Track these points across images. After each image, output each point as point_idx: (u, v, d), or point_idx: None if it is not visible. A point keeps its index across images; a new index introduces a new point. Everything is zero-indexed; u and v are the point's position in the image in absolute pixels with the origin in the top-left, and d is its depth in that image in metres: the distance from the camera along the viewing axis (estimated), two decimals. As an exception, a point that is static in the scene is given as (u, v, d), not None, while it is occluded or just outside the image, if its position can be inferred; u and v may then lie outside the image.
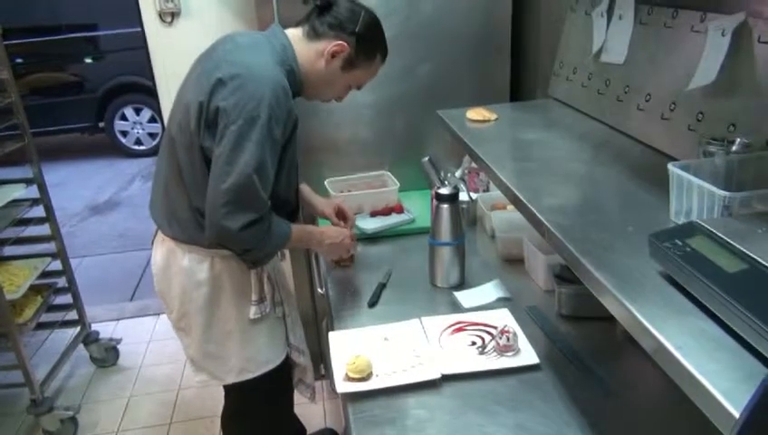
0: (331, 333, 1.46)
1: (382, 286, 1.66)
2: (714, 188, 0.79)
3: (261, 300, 1.50)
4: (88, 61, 6.26)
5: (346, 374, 1.28)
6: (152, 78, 2.66)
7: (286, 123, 1.35)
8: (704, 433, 1.09)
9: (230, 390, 1.69)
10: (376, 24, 1.46)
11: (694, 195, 0.83)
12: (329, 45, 1.40)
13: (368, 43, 1.44)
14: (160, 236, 1.52)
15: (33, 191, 2.51)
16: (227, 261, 1.47)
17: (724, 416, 0.55)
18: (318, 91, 1.50)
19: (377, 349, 1.37)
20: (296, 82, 1.42)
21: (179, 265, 1.48)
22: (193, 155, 1.37)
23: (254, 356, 1.55)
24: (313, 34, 1.42)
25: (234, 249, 1.42)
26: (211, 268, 1.47)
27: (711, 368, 0.60)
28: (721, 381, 0.58)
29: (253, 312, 1.49)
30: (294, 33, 1.44)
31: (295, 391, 1.81)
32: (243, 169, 1.28)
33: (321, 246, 1.60)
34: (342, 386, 1.27)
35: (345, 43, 1.41)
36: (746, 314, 0.60)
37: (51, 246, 2.63)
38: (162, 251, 1.52)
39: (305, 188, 1.79)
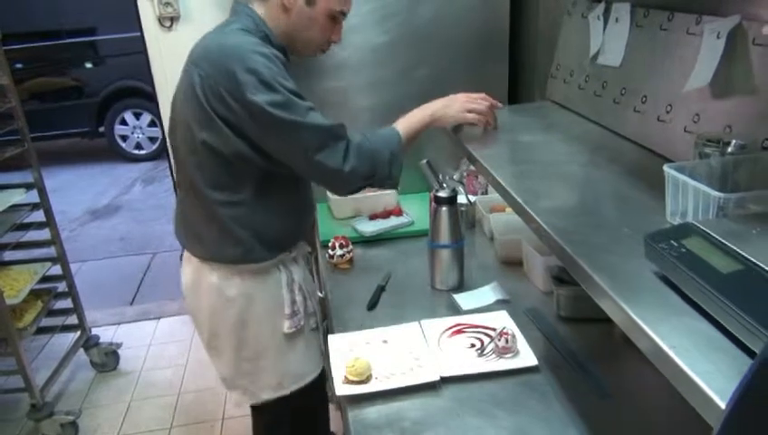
0: (330, 336, 1.46)
1: (381, 289, 1.66)
2: (709, 189, 0.79)
3: (294, 313, 1.47)
4: (88, 66, 6.29)
5: (345, 377, 1.28)
6: (152, 82, 2.67)
7: (287, 76, 1.29)
8: (701, 433, 1.10)
9: (261, 408, 1.60)
10: None
11: (689, 196, 0.84)
12: None
13: None
14: (187, 254, 1.49)
15: (33, 196, 2.52)
16: (257, 276, 1.43)
17: (718, 415, 0.55)
18: (302, 42, 1.41)
19: (376, 351, 1.37)
20: (278, 45, 1.36)
21: (208, 283, 1.44)
22: (205, 166, 1.33)
23: (290, 370, 1.51)
24: None
25: (361, 185, 1.39)
26: (241, 284, 1.43)
27: (706, 368, 0.61)
28: (715, 380, 0.59)
29: (287, 326, 1.46)
30: (256, 5, 1.37)
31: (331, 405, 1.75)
32: (309, 132, 1.27)
33: (442, 116, 1.47)
34: (342, 389, 1.27)
35: None
36: (741, 314, 0.60)
37: (51, 251, 2.64)
38: (190, 269, 1.49)
39: None
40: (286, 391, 1.51)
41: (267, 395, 1.52)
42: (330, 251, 1.79)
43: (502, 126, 1.54)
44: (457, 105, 1.47)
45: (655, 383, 1.29)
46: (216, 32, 1.38)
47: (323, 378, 1.62)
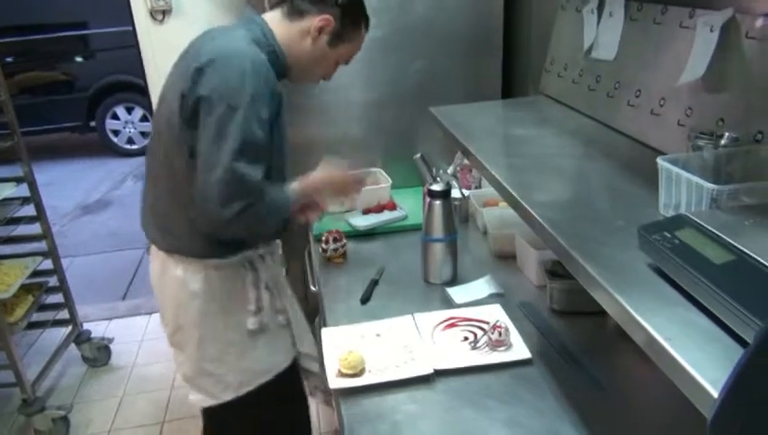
0: (323, 330, 1.46)
1: (375, 283, 1.66)
2: (702, 181, 0.79)
3: (259, 310, 1.45)
4: (78, 59, 6.23)
5: (339, 370, 1.28)
6: (143, 76, 2.65)
7: (271, 101, 1.30)
8: (694, 426, 1.11)
9: (212, 413, 1.56)
10: None
11: (682, 188, 0.84)
12: (314, 21, 1.36)
13: (352, 13, 1.40)
14: (154, 248, 1.48)
15: (23, 190, 2.50)
16: (222, 271, 1.42)
17: (711, 405, 0.56)
18: (306, 71, 1.45)
19: (369, 345, 1.37)
20: (280, 65, 1.37)
21: (173, 276, 1.43)
22: (183, 158, 1.31)
23: (253, 367, 1.48)
24: (295, 13, 1.37)
25: (231, 236, 1.37)
26: (206, 279, 1.41)
27: (699, 358, 0.61)
28: (709, 371, 0.59)
29: (251, 323, 1.44)
30: (273, 17, 1.39)
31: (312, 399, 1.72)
32: (229, 156, 1.23)
33: (322, 193, 1.49)
34: (335, 382, 1.27)
35: (330, 17, 1.36)
36: (733, 304, 0.60)
37: (42, 245, 2.62)
38: (157, 262, 1.48)
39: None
40: (249, 389, 1.48)
41: (230, 395, 1.49)
42: (323, 245, 1.78)
43: (496, 119, 1.54)
44: (337, 193, 1.56)
45: (647, 376, 1.30)
46: (224, 34, 1.35)
47: (293, 374, 1.58)
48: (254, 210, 1.28)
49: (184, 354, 1.50)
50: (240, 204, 1.25)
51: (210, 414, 1.58)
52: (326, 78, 1.50)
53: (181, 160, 1.32)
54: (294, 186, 1.42)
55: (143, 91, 2.78)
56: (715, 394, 0.56)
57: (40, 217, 2.57)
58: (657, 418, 1.18)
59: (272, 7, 1.42)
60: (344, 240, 1.79)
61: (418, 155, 1.68)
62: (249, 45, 1.30)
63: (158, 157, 1.38)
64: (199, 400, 1.52)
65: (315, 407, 2.46)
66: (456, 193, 1.81)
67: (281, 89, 1.34)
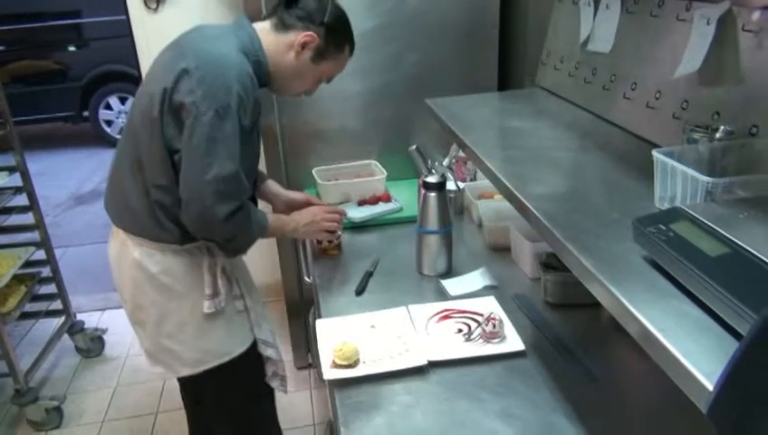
0: (318, 321, 1.46)
1: (369, 275, 1.66)
2: (697, 174, 0.79)
3: (215, 294, 1.48)
4: (71, 49, 6.18)
5: (333, 361, 1.28)
6: (137, 66, 2.63)
7: (252, 112, 1.34)
8: (686, 418, 1.11)
9: (185, 382, 1.66)
10: (343, 16, 1.46)
11: (678, 181, 0.84)
12: (298, 37, 1.40)
13: (336, 34, 1.45)
14: (114, 228, 1.51)
15: (15, 180, 2.48)
16: (180, 255, 1.45)
17: (706, 396, 0.56)
18: (287, 83, 1.49)
19: (364, 336, 1.37)
20: (263, 74, 1.41)
21: (131, 258, 1.46)
22: (154, 144, 1.34)
23: (211, 348, 1.52)
24: (282, 26, 1.42)
25: (217, 239, 1.41)
26: (162, 262, 1.44)
27: (693, 350, 0.61)
28: (703, 362, 0.59)
29: (206, 306, 1.47)
30: (262, 27, 1.43)
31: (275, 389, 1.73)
32: (224, 161, 1.28)
33: (298, 232, 1.61)
34: (329, 373, 1.27)
35: (315, 34, 1.41)
36: (727, 296, 0.60)
37: (34, 236, 2.60)
38: (115, 244, 1.51)
39: (271, 183, 1.78)
40: (206, 367, 1.53)
41: (187, 371, 1.54)
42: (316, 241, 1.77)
43: (492, 111, 1.54)
44: (313, 230, 1.63)
45: (640, 368, 1.31)
46: (214, 38, 1.38)
47: (253, 360, 1.61)
48: (243, 213, 1.35)
49: (144, 331, 1.54)
50: (233, 204, 1.32)
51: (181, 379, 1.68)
52: (307, 93, 1.55)
53: (151, 149, 1.35)
54: (272, 216, 1.54)
55: (137, 81, 2.76)
56: (709, 386, 0.56)
57: (32, 206, 2.55)
58: (650, 409, 1.19)
59: (265, 17, 1.46)
60: (339, 232, 1.79)
61: (414, 147, 1.67)
62: (237, 54, 1.34)
63: (128, 138, 1.42)
64: (160, 373, 1.57)
65: (309, 398, 2.47)
66: (451, 185, 1.80)
67: (260, 98, 1.39)
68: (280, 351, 1.67)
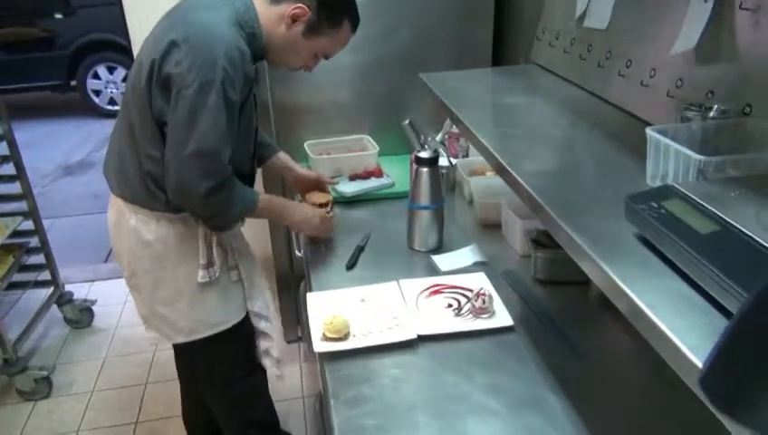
0: (308, 294, 1.46)
1: (360, 249, 1.66)
2: (690, 152, 0.80)
3: (209, 264, 1.47)
4: (58, 16, 6.05)
5: (323, 334, 1.29)
6: (126, 35, 2.58)
7: (242, 86, 1.32)
8: (669, 394, 1.13)
9: (179, 350, 1.70)
10: None
11: (670, 159, 0.84)
12: (288, 8, 1.36)
13: (331, 8, 1.39)
14: (113, 196, 1.51)
15: (2, 148, 2.45)
16: (174, 224, 1.45)
17: (693, 372, 0.57)
18: (281, 57, 1.46)
19: (354, 310, 1.38)
20: (258, 46, 1.38)
21: (128, 225, 1.46)
22: (144, 115, 1.34)
23: (205, 318, 1.53)
24: None
25: (198, 213, 1.40)
26: (157, 230, 1.44)
27: (681, 326, 0.62)
28: (690, 338, 0.60)
29: (201, 275, 1.47)
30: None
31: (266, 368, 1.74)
32: (204, 136, 1.27)
33: (291, 222, 1.60)
34: (319, 345, 1.28)
35: (306, 7, 1.36)
36: (716, 273, 0.61)
37: (22, 205, 2.58)
38: (114, 210, 1.51)
39: (283, 156, 1.77)
40: (200, 336, 1.53)
41: (181, 339, 1.55)
42: None
43: (487, 87, 1.53)
44: (308, 230, 1.63)
45: (624, 344, 1.33)
46: (208, 7, 1.34)
47: (247, 332, 1.62)
48: (225, 190, 1.33)
49: (140, 296, 1.55)
50: (213, 181, 1.30)
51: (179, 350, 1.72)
52: (305, 69, 1.50)
53: (141, 119, 1.35)
54: (265, 196, 1.50)
55: (126, 50, 2.72)
56: (696, 361, 0.57)
57: (20, 176, 2.52)
58: (633, 384, 1.21)
59: None
60: (331, 206, 1.78)
61: (407, 121, 1.66)
62: (229, 26, 1.31)
63: (124, 107, 1.42)
64: (154, 338, 1.59)
65: (299, 371, 2.49)
66: (443, 161, 1.80)
67: (254, 73, 1.37)
68: (274, 326, 1.67)
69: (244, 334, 1.62)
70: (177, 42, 1.27)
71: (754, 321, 0.46)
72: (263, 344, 1.67)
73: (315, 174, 1.79)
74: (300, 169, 1.77)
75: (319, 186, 1.79)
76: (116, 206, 1.50)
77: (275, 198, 1.61)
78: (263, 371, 1.74)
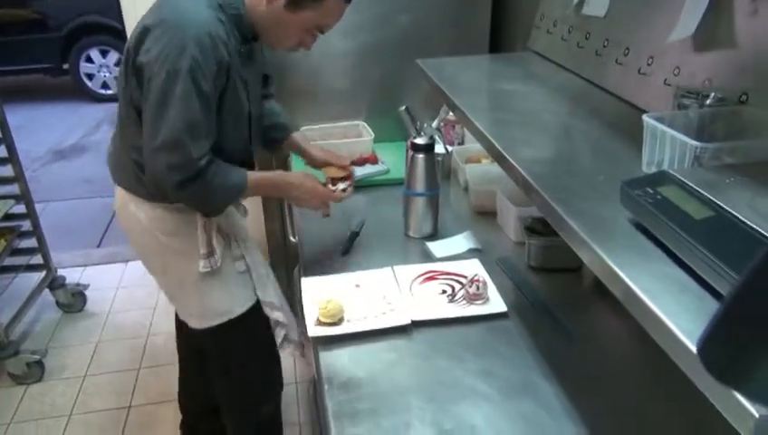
0: (303, 279, 1.46)
1: (355, 235, 1.66)
2: (686, 139, 0.80)
3: (210, 253, 1.44)
4: (51, -2, 5.99)
5: (317, 319, 1.29)
6: (120, 18, 2.55)
7: (216, 73, 1.26)
8: (662, 377, 1.15)
9: (189, 338, 1.67)
10: None
11: (666, 145, 0.84)
12: None
13: None
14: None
15: (-7, 131, 2.43)
16: (171, 212, 1.42)
17: (686, 356, 0.57)
18: (272, 37, 1.39)
19: (349, 295, 1.38)
20: (246, 27, 1.33)
21: (129, 211, 1.46)
22: (127, 105, 1.33)
23: (210, 306, 1.50)
24: None
25: (180, 203, 1.38)
26: (157, 218, 1.43)
27: (675, 310, 0.62)
28: (684, 322, 0.60)
29: (201, 265, 1.44)
30: None
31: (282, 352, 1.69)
32: (170, 128, 1.22)
33: (288, 196, 1.54)
34: (314, 330, 1.28)
35: None
36: (711, 257, 0.61)
37: (14, 188, 2.56)
38: (117, 196, 1.51)
39: (297, 136, 1.68)
40: (208, 324, 1.52)
41: (194, 324, 1.55)
42: (330, 186, 1.58)
43: (484, 74, 1.52)
44: (303, 199, 1.52)
45: (618, 331, 1.34)
46: None
47: (256, 323, 1.58)
48: (198, 183, 1.28)
49: (156, 277, 1.57)
50: (180, 175, 1.26)
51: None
52: (303, 47, 1.42)
53: (125, 109, 1.35)
54: (255, 175, 1.43)
55: (119, 33, 2.69)
56: (690, 344, 0.57)
57: (11, 159, 2.50)
58: (624, 369, 1.23)
59: None
60: (349, 183, 1.61)
61: (403, 107, 1.66)
62: (207, 9, 1.26)
63: (119, 97, 1.40)
64: (182, 315, 1.60)
65: (291, 358, 2.50)
66: (439, 148, 1.79)
67: (230, 58, 1.29)
68: (289, 314, 1.63)
69: (255, 324, 1.57)
70: (149, 27, 1.23)
71: (756, 289, 0.46)
72: (280, 333, 1.62)
73: (322, 155, 1.65)
74: (314, 150, 1.67)
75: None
76: (118, 194, 1.49)
77: (267, 175, 1.56)
78: (277, 362, 1.71)
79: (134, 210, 1.44)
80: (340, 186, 1.58)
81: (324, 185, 1.55)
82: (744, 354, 0.46)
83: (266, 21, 1.34)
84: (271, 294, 1.58)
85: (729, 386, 0.51)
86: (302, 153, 1.68)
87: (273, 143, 1.67)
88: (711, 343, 0.50)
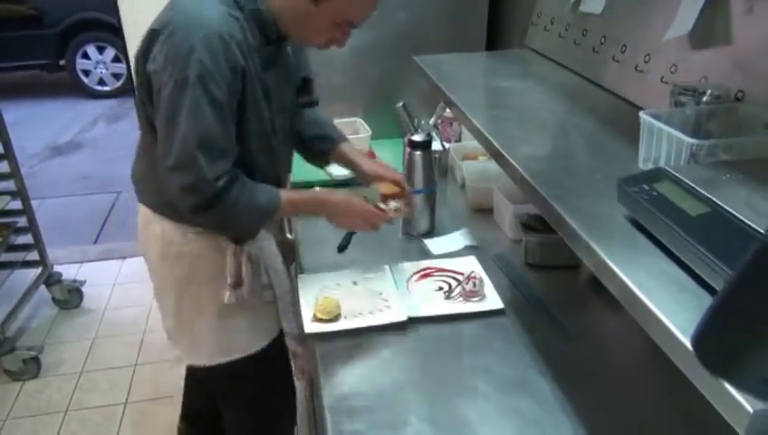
0: (300, 275, 1.46)
1: (352, 232, 1.66)
2: (682, 136, 0.80)
3: (237, 284, 1.32)
4: (47, -6, 5.96)
5: (314, 315, 1.29)
6: (117, 14, 2.55)
7: (232, 80, 1.12)
8: (658, 374, 1.15)
9: (198, 377, 1.53)
10: None
11: (663, 142, 0.85)
12: None
13: None
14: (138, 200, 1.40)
15: (-11, 127, 2.42)
16: (202, 237, 1.30)
17: (682, 351, 0.58)
18: (299, 33, 1.24)
19: (345, 292, 1.38)
20: (268, 24, 1.19)
21: (154, 233, 1.33)
22: (143, 118, 1.23)
23: (228, 341, 1.39)
24: None
25: (204, 226, 1.27)
26: (184, 243, 1.30)
27: (671, 306, 0.62)
28: (680, 318, 0.60)
29: (227, 297, 1.31)
30: None
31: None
32: (182, 145, 1.10)
33: (331, 217, 1.37)
34: (310, 326, 1.28)
35: None
36: (707, 254, 0.61)
37: (10, 184, 2.55)
38: (141, 215, 1.38)
39: (345, 148, 1.51)
40: (223, 360, 1.40)
41: (201, 362, 1.43)
42: (380, 205, 1.43)
43: (481, 71, 1.52)
44: (347, 221, 1.39)
45: (614, 328, 1.34)
46: None
47: (277, 355, 1.47)
48: (215, 210, 1.16)
49: (165, 309, 1.43)
50: (195, 199, 1.14)
51: (190, 371, 1.56)
52: (336, 44, 1.26)
53: (141, 121, 1.25)
54: (289, 194, 1.32)
55: (116, 30, 2.68)
56: (686, 341, 0.57)
57: (7, 155, 2.50)
58: (621, 367, 1.23)
59: None
60: (405, 203, 1.46)
61: (401, 103, 1.66)
62: (218, 5, 1.12)
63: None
64: (178, 356, 1.47)
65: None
66: (436, 145, 1.80)
67: (246, 61, 1.15)
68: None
69: (273, 356, 1.46)
70: (157, 29, 1.12)
71: (751, 280, 0.47)
72: (298, 365, 1.51)
73: (373, 170, 1.46)
74: (365, 163, 1.49)
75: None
76: (142, 212, 1.37)
77: (304, 194, 1.42)
78: (293, 394, 1.61)
79: (159, 233, 1.32)
80: (392, 204, 1.42)
81: (375, 206, 1.41)
82: (736, 347, 0.46)
83: (289, 16, 1.20)
84: (293, 323, 1.46)
85: (722, 378, 0.51)
86: (352, 166, 1.51)
87: (319, 156, 1.54)
88: (705, 337, 0.51)
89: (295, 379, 1.54)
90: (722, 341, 0.49)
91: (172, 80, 1.09)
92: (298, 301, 1.37)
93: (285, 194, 1.28)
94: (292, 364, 1.51)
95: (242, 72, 1.14)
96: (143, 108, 1.21)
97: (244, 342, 1.40)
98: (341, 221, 1.38)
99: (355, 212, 1.36)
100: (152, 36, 1.13)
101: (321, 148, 1.52)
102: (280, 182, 1.38)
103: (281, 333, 1.46)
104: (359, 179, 1.52)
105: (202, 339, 1.40)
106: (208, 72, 1.08)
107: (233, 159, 1.17)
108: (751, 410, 0.49)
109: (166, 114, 1.11)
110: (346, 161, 1.51)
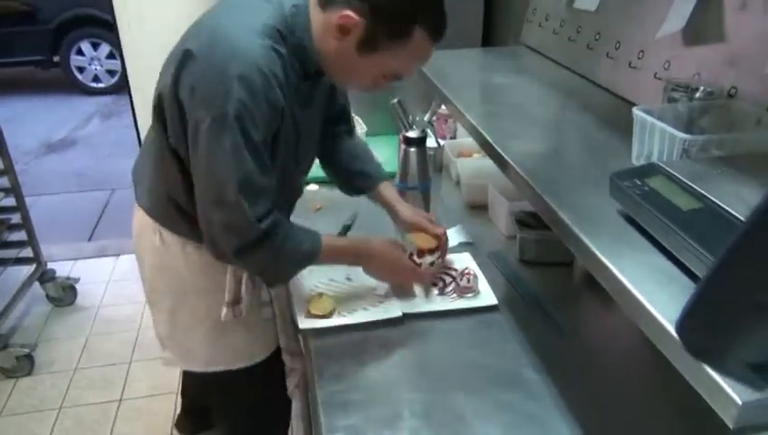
0: (294, 272, 1.46)
1: (347, 228, 1.66)
2: (675, 131, 0.80)
3: (235, 302, 1.28)
4: (40, -11, 5.93)
5: (308, 311, 1.29)
6: (111, 11, 2.54)
7: (270, 118, 1.06)
8: (652, 370, 1.16)
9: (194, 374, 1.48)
10: None
11: (655, 138, 0.85)
12: (334, 17, 1.05)
13: (391, 14, 1.05)
14: (136, 204, 1.33)
15: (-18, 123, 2.41)
16: (201, 252, 1.23)
17: (673, 344, 0.58)
18: (340, 76, 1.18)
19: (340, 288, 1.38)
20: (310, 60, 1.12)
21: (151, 242, 1.28)
22: (160, 136, 1.16)
23: (224, 355, 1.36)
24: (324, 0, 1.07)
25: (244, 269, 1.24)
26: (182, 255, 1.26)
27: (662, 300, 0.63)
28: (671, 312, 0.61)
29: (224, 314, 1.27)
30: (312, 3, 1.10)
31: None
32: (221, 187, 1.06)
33: (366, 267, 1.33)
34: (304, 323, 1.28)
35: (355, 15, 1.03)
36: (698, 248, 0.62)
37: (3, 181, 2.54)
38: (137, 218, 1.32)
39: (384, 188, 1.46)
40: (218, 369, 1.37)
41: (195, 368, 1.41)
42: (416, 259, 1.38)
43: (476, 67, 1.52)
44: (383, 274, 1.35)
45: (608, 324, 1.35)
46: (242, 7, 1.10)
47: (272, 367, 1.43)
48: (261, 250, 1.12)
49: (158, 316, 1.40)
50: (240, 240, 1.10)
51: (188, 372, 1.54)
52: (377, 89, 1.20)
53: (158, 137, 1.17)
54: (339, 240, 1.34)
55: (110, 26, 2.66)
56: (676, 334, 0.58)
57: (1, 152, 2.49)
58: (614, 362, 1.23)
59: None
60: (440, 257, 1.41)
61: (395, 100, 1.66)
62: (259, 38, 1.04)
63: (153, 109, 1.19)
64: (169, 359, 1.44)
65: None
66: (431, 142, 1.80)
67: (285, 99, 1.08)
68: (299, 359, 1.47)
69: (269, 370, 1.42)
70: (192, 54, 1.04)
71: (728, 271, 0.47)
72: (291, 382, 1.47)
73: (414, 219, 1.41)
74: (405, 211, 1.43)
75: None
76: (139, 216, 1.31)
77: (346, 242, 1.40)
78: (288, 409, 1.57)
79: (157, 244, 1.27)
80: (428, 259, 1.37)
81: (410, 255, 1.37)
82: (720, 332, 0.46)
83: (335, 60, 1.12)
84: (291, 339, 1.42)
85: (706, 363, 0.51)
86: (390, 210, 1.46)
87: (358, 191, 1.50)
88: (689, 321, 0.51)
89: (292, 396, 1.51)
90: (705, 325, 0.49)
91: (209, 117, 1.02)
92: (292, 296, 1.37)
93: (329, 240, 1.26)
94: (287, 382, 1.47)
95: (281, 109, 1.09)
96: (164, 126, 1.14)
97: (240, 355, 1.37)
98: (377, 273, 1.35)
99: (393, 268, 1.34)
100: (185, 59, 1.05)
101: (362, 185, 1.48)
102: (291, 208, 1.40)
103: (277, 351, 1.43)
104: (396, 227, 1.48)
105: (196, 349, 1.37)
106: (247, 112, 1.02)
107: (273, 194, 1.12)
108: (740, 402, 0.49)
109: (204, 153, 1.06)
110: (384, 203, 1.47)
